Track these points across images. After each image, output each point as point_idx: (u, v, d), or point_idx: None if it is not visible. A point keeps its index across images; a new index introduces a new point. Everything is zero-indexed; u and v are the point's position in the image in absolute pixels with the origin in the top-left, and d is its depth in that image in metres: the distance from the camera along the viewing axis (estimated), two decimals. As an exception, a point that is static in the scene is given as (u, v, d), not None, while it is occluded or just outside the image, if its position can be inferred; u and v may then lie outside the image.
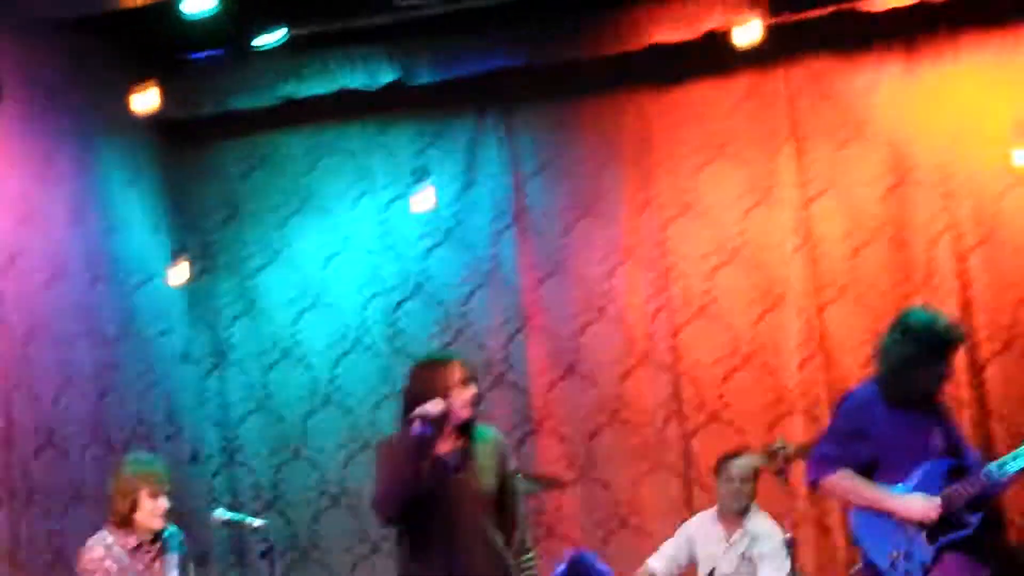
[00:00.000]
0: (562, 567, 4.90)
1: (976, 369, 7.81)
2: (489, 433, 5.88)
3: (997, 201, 7.91)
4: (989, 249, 7.92)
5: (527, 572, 6.16)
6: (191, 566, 6.53)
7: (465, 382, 5.72)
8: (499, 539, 5.76)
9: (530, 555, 6.07)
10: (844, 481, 5.72)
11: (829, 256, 8.11)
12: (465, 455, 5.73)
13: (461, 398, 5.68)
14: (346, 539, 8.36)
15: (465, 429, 5.74)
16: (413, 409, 5.58)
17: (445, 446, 5.73)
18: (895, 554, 5.64)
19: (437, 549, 5.63)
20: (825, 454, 5.77)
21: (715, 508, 7.44)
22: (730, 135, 8.28)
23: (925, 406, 5.79)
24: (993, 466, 5.66)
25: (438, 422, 5.55)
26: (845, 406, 5.85)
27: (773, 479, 7.02)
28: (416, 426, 5.50)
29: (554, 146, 8.45)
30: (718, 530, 7.37)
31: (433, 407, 5.54)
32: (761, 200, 8.21)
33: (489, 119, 8.50)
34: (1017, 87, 7.87)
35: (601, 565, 4.57)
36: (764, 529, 7.25)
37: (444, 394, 5.62)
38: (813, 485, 5.88)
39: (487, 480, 5.74)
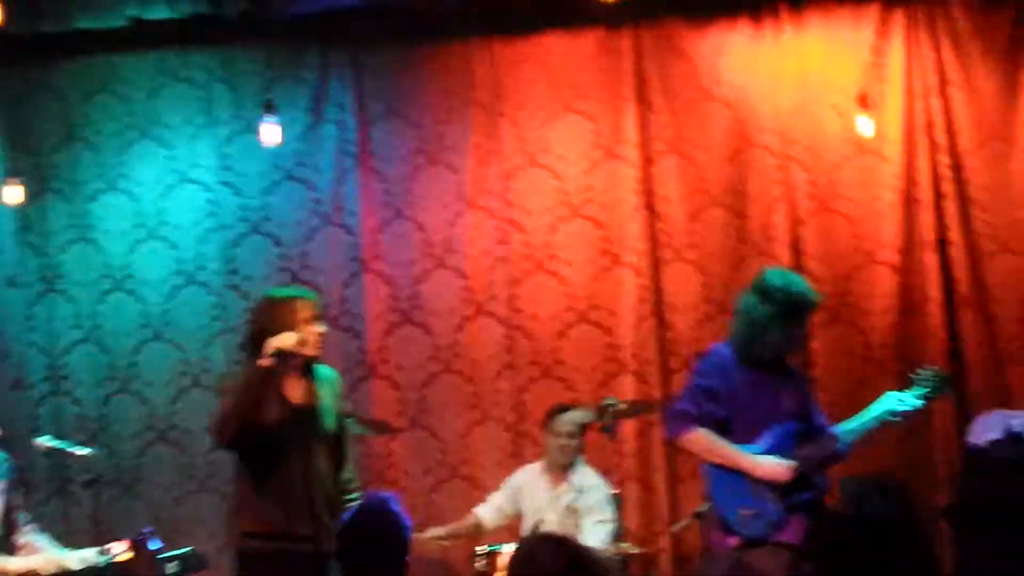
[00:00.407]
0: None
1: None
2: (329, 373, 5.93)
3: (834, 171, 8.08)
4: (824, 218, 8.08)
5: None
6: (18, 491, 6.43)
7: (314, 319, 5.77)
8: (332, 480, 5.82)
9: (356, 496, 6.08)
10: (701, 439, 5.86)
11: (669, 217, 8.19)
12: (310, 394, 5.76)
13: (310, 335, 5.72)
14: (171, 474, 8.26)
15: (308, 368, 5.77)
16: (259, 341, 5.60)
17: (291, 384, 5.74)
18: (745, 512, 5.80)
19: (275, 485, 5.67)
20: (682, 411, 5.91)
21: (543, 461, 7.54)
22: (579, 90, 8.30)
23: (778, 368, 5.94)
24: (839, 430, 5.86)
25: (286, 356, 5.58)
26: (702, 365, 5.98)
27: (601, 435, 7.14)
28: (267, 358, 5.52)
29: (402, 90, 8.38)
30: (544, 482, 7.47)
31: (286, 340, 5.57)
32: (605, 157, 8.26)
33: (337, 58, 8.40)
34: (859, 59, 8.03)
35: (396, 508, 4.61)
36: (590, 483, 7.37)
37: (293, 329, 5.65)
38: (670, 441, 6.00)
39: (328, 420, 5.79)
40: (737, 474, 5.85)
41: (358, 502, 6.20)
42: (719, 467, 5.90)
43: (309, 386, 5.83)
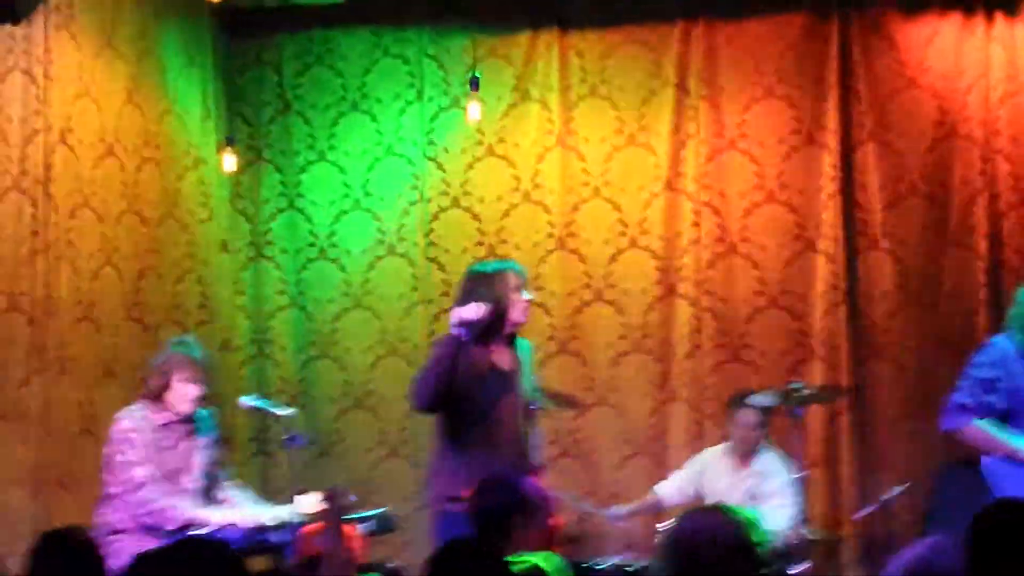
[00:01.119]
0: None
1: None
2: (525, 344, 6.19)
3: None
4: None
5: None
6: (219, 448, 6.72)
7: (519, 289, 6.04)
8: (526, 444, 6.03)
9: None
10: (980, 431, 5.83)
11: (866, 205, 8.16)
12: (514, 360, 6.03)
13: (517, 304, 5.98)
14: (366, 440, 8.51)
15: (512, 337, 6.03)
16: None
17: (498, 351, 6.01)
18: None
19: (478, 447, 5.94)
20: (959, 404, 5.86)
21: (726, 444, 7.60)
22: (782, 75, 8.28)
23: None
24: None
25: (473, 325, 5.81)
26: (980, 357, 5.92)
27: (788, 420, 7.16)
28: (454, 327, 5.78)
29: (606, 70, 8.47)
30: (727, 465, 7.52)
31: (471, 312, 5.83)
32: (804, 143, 8.24)
33: (544, 37, 8.51)
34: None
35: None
36: (772, 467, 7.40)
37: (500, 299, 5.90)
38: (947, 434, 5.96)
39: (527, 388, 6.05)
40: (1020, 466, 5.79)
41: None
42: (1000, 460, 5.84)
43: (513, 353, 6.09)
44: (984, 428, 5.83)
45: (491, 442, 5.93)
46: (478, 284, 6.06)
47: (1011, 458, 5.77)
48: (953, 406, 5.91)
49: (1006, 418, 5.83)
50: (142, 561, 3.14)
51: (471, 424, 5.94)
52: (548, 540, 4.93)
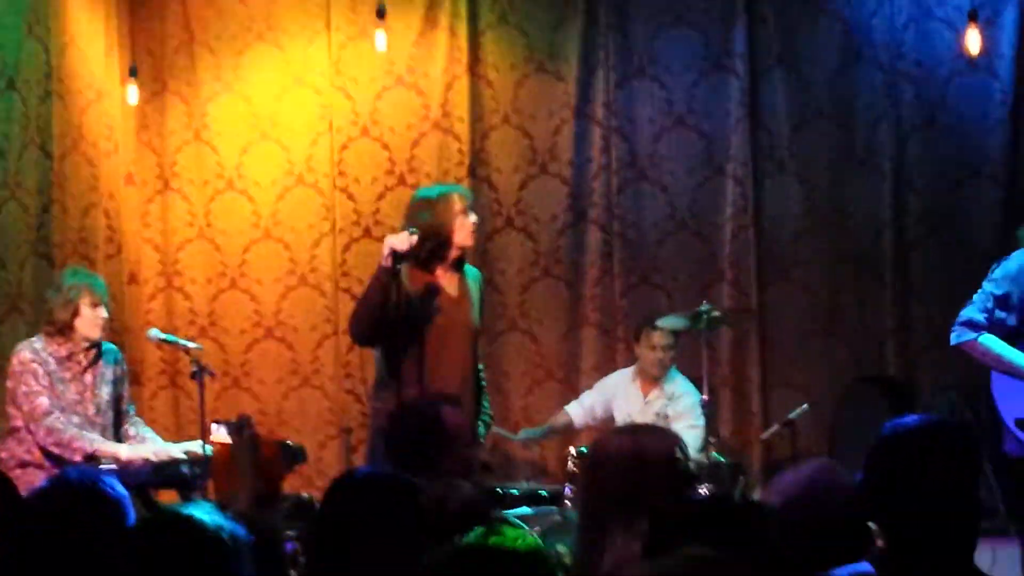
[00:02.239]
0: None
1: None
2: (474, 271, 6.20)
3: (943, 86, 8.01)
4: (929, 133, 8.04)
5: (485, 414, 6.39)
6: (126, 383, 6.70)
7: (465, 212, 6.02)
8: (475, 372, 6.06)
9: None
10: (985, 346, 5.64)
11: (773, 129, 8.22)
12: (462, 286, 6.02)
13: (462, 227, 5.97)
14: (277, 370, 8.49)
15: (460, 261, 6.01)
16: (425, 237, 5.91)
17: (446, 276, 6.00)
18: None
19: (421, 372, 5.91)
20: (969, 319, 5.67)
21: (634, 367, 7.66)
22: (689, 2, 8.31)
23: None
24: None
25: (402, 256, 5.79)
26: (997, 272, 5.70)
27: (696, 342, 7.23)
28: (384, 256, 5.77)
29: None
30: (636, 388, 7.59)
31: (401, 241, 5.80)
32: (712, 69, 8.28)
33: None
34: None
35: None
36: (681, 390, 7.49)
37: (445, 223, 5.87)
38: (954, 347, 5.85)
39: (475, 313, 6.04)
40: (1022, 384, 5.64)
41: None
42: (1005, 376, 5.66)
43: (462, 279, 6.11)
44: (991, 345, 5.62)
45: (436, 369, 5.92)
46: (421, 209, 6.06)
47: (1016, 375, 5.61)
48: (963, 321, 5.70)
49: (1019, 335, 5.66)
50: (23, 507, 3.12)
51: (415, 351, 5.90)
52: (466, 469, 4.93)
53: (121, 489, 3.34)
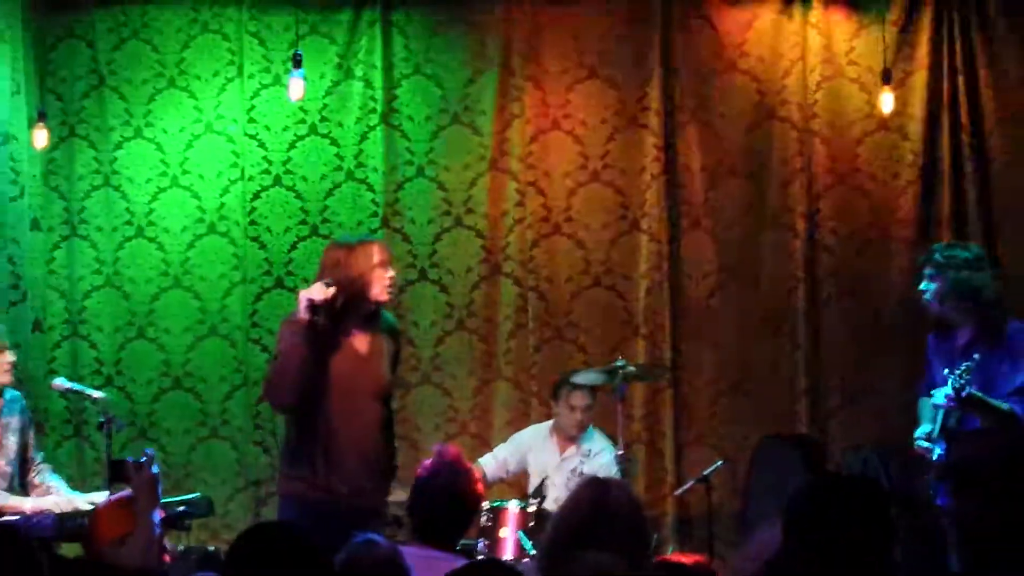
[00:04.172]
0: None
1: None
2: (390, 320, 5.99)
3: (855, 146, 8.10)
4: (842, 192, 8.11)
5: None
6: (32, 431, 6.55)
7: (384, 264, 5.80)
8: (383, 434, 5.88)
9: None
10: None
11: (688, 185, 8.27)
12: (374, 342, 5.81)
13: (380, 281, 5.76)
14: (185, 421, 8.35)
15: (373, 315, 5.81)
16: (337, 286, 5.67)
17: (357, 332, 5.79)
18: None
19: (329, 433, 5.69)
20: None
21: (551, 422, 7.62)
22: (605, 56, 8.36)
23: None
24: None
25: (319, 308, 5.60)
26: None
27: (610, 398, 7.21)
28: (301, 310, 5.57)
29: (430, 50, 8.42)
30: (552, 444, 7.55)
31: (318, 292, 5.60)
32: (627, 124, 8.32)
33: (367, 16, 8.43)
34: (886, 35, 8.01)
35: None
36: (597, 447, 7.46)
37: (362, 275, 5.70)
38: None
39: (385, 370, 5.84)
40: None
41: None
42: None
43: (375, 333, 5.87)
44: None
45: (344, 430, 5.73)
46: (338, 258, 5.83)
47: None
48: None
49: None
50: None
51: (321, 413, 5.70)
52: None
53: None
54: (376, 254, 5.85)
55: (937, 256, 6.25)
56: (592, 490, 3.95)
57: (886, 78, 7.74)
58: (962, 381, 5.81)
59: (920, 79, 8.09)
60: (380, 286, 5.81)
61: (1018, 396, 5.96)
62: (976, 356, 5.89)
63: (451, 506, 4.78)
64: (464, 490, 4.81)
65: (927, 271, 6.25)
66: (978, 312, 6.11)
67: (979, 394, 5.87)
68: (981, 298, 6.12)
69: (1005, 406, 5.93)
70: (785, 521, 3.52)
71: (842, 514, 3.44)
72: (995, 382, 5.99)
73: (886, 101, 7.77)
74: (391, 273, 5.87)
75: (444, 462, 4.88)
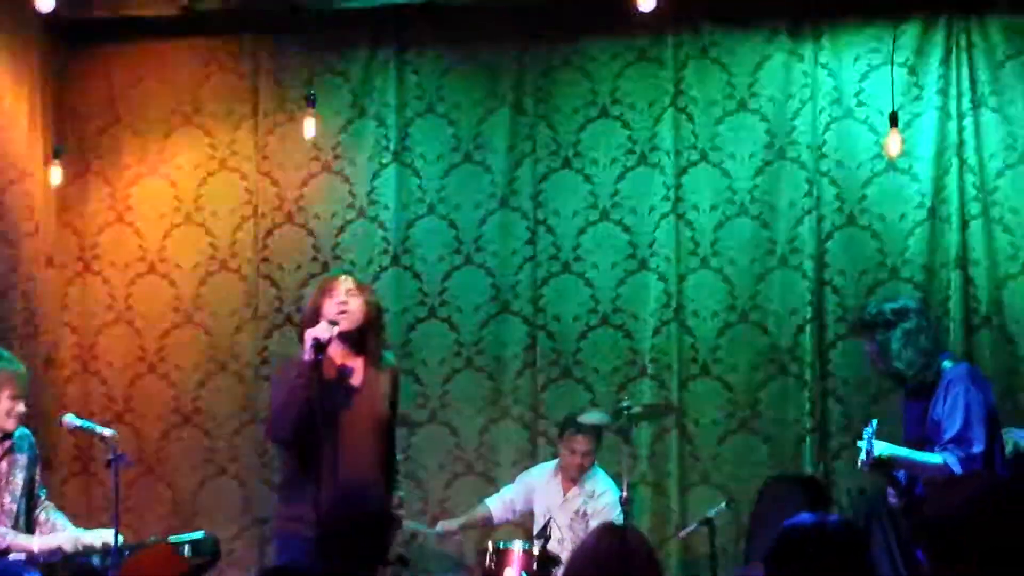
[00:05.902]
0: None
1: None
2: (391, 361, 6.03)
3: (863, 187, 8.11)
4: (850, 233, 8.13)
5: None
6: (38, 466, 6.58)
7: (331, 292, 5.88)
8: (380, 467, 5.89)
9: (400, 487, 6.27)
10: None
11: (697, 225, 8.26)
12: (368, 376, 5.86)
13: (329, 308, 5.80)
14: (193, 458, 8.40)
15: (359, 347, 5.85)
16: (306, 328, 5.72)
17: (352, 365, 5.84)
18: None
19: (325, 468, 5.67)
20: None
21: (556, 462, 7.64)
22: (615, 95, 8.38)
23: None
24: None
25: (324, 345, 5.66)
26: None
27: (616, 437, 7.21)
28: (306, 350, 5.64)
29: (443, 89, 8.49)
30: (557, 484, 7.56)
31: (324, 332, 5.66)
32: (638, 162, 8.33)
33: (382, 54, 8.50)
34: (895, 76, 8.03)
35: None
36: (601, 487, 7.46)
37: (317, 307, 5.78)
38: None
39: (382, 405, 5.88)
40: None
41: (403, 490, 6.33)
42: None
43: (367, 369, 5.91)
44: None
45: (339, 461, 5.71)
46: (312, 298, 5.93)
47: None
48: None
49: None
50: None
51: (316, 443, 5.66)
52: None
53: None
54: (329, 285, 5.88)
55: (865, 316, 6.34)
56: (610, 539, 3.93)
57: (894, 120, 7.75)
58: (868, 447, 5.80)
59: (928, 121, 8.08)
60: (331, 312, 5.79)
61: (953, 444, 5.94)
62: (875, 421, 5.92)
63: None
64: None
65: (862, 336, 6.33)
66: (902, 372, 6.16)
67: (888, 454, 5.86)
68: (900, 358, 6.14)
69: (938, 458, 5.91)
70: (765, 562, 3.58)
71: (819, 557, 3.50)
72: (935, 430, 5.99)
73: (894, 142, 7.77)
74: (342, 299, 5.85)
75: None
